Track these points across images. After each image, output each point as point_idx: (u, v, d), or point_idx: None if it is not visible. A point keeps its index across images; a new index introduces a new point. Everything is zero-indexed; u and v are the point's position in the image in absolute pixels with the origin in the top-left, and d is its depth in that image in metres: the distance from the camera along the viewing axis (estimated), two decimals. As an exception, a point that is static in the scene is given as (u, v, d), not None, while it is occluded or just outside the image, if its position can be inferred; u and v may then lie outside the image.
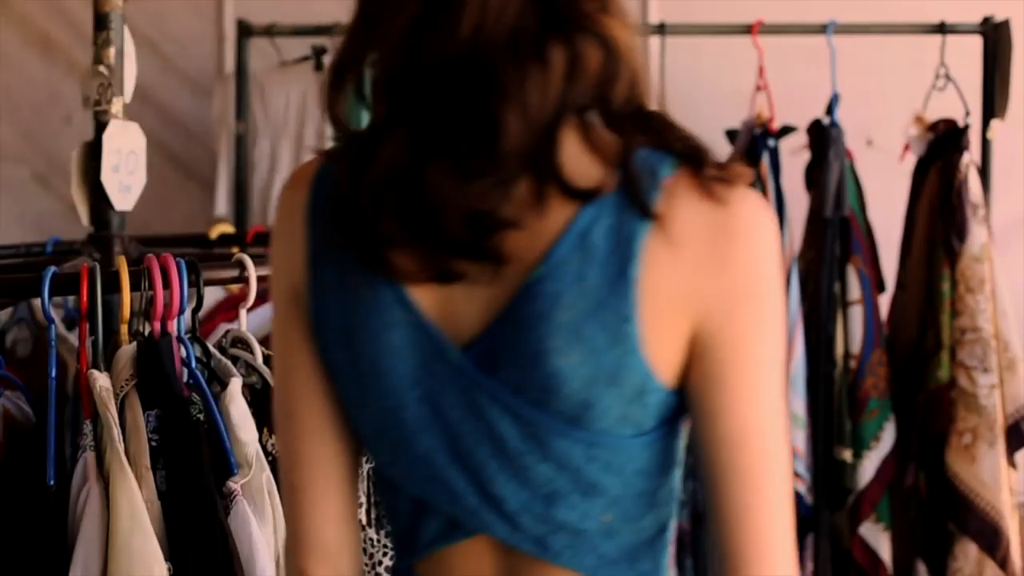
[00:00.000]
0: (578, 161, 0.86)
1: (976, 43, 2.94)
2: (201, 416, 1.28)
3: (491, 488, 0.90)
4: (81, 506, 1.19)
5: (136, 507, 1.18)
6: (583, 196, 0.84)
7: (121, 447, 1.22)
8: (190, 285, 1.36)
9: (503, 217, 0.83)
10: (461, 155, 0.83)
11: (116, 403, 1.26)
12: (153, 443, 1.26)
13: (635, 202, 0.84)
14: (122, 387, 1.28)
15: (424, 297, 0.88)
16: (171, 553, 1.21)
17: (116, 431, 1.23)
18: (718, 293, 0.86)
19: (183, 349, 1.33)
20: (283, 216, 0.95)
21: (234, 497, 1.24)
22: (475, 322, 0.88)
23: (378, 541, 1.42)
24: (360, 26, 0.89)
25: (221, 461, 1.26)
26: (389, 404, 0.90)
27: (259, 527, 1.24)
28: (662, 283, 0.85)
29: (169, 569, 1.19)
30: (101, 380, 1.27)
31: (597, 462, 0.88)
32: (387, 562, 1.42)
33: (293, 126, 3.22)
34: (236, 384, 1.32)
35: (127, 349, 1.31)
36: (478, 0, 0.82)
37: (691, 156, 0.87)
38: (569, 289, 0.85)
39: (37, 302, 1.63)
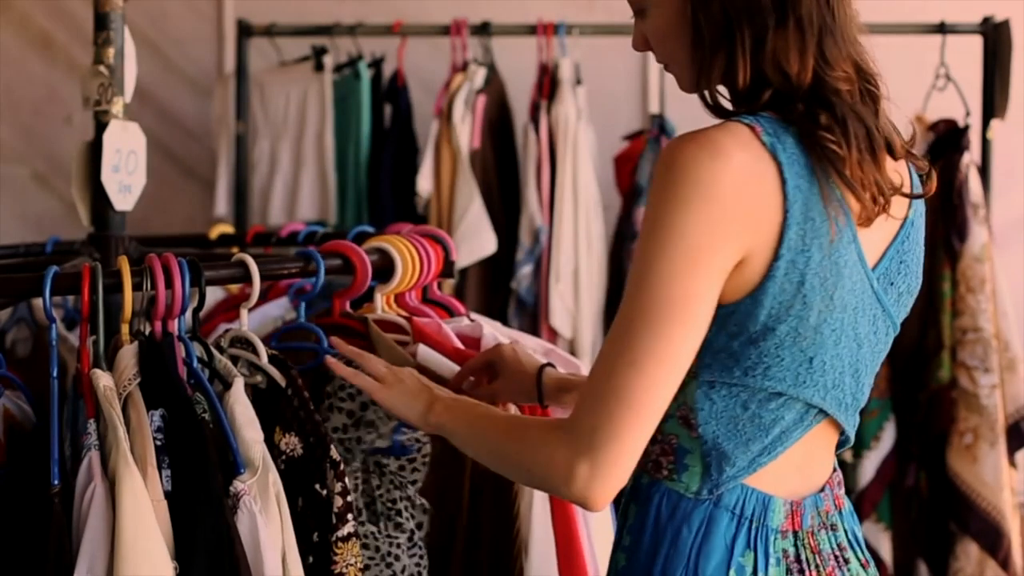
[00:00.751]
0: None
1: (976, 43, 2.95)
2: (207, 416, 1.28)
3: (863, 386, 1.24)
4: (86, 506, 1.18)
5: (142, 507, 1.17)
6: (912, 156, 1.26)
7: (127, 446, 1.21)
8: (192, 284, 1.35)
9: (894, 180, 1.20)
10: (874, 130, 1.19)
11: (133, 399, 1.26)
12: (158, 442, 1.25)
13: (917, 164, 1.27)
14: (125, 387, 1.28)
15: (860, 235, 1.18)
16: (178, 553, 1.20)
17: (121, 430, 1.22)
18: None
19: (184, 349, 1.33)
20: (747, 182, 1.12)
21: (240, 497, 1.23)
22: (875, 252, 1.21)
23: (380, 533, 1.42)
24: (736, 33, 1.16)
25: (227, 461, 1.26)
26: (835, 332, 1.17)
27: (265, 527, 1.23)
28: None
29: (176, 569, 1.19)
30: (104, 379, 1.26)
31: (888, 347, 1.26)
32: (396, 552, 1.42)
33: (293, 126, 3.22)
34: (240, 383, 1.31)
35: (129, 349, 1.31)
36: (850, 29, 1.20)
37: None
38: (920, 220, 1.26)
39: (37, 302, 1.62)
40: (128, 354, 1.30)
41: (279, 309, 1.96)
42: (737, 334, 1.15)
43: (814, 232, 1.13)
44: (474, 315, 1.72)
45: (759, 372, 1.16)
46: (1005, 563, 2.72)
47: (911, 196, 1.23)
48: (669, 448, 1.22)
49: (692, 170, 1.11)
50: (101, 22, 1.72)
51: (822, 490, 1.24)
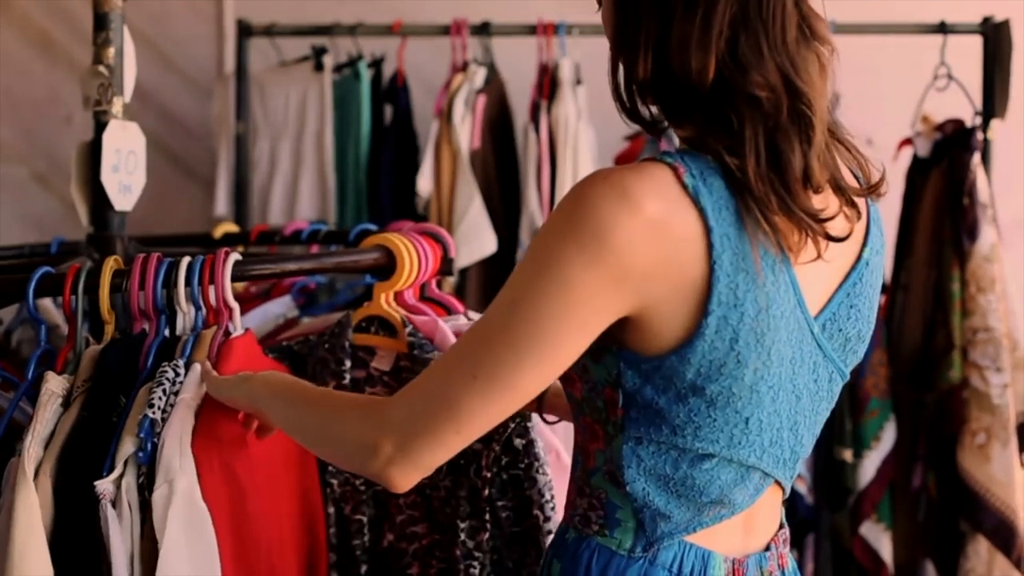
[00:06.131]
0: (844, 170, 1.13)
1: (976, 43, 2.95)
2: (115, 419, 1.28)
3: (801, 439, 1.15)
4: (3, 513, 1.21)
5: (33, 516, 1.18)
6: (872, 193, 1.15)
7: (30, 452, 1.22)
8: (163, 286, 1.37)
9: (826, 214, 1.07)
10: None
11: (75, 403, 1.27)
12: (74, 445, 1.26)
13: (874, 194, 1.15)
14: (79, 388, 1.29)
15: (800, 280, 1.09)
16: (59, 555, 1.20)
17: (29, 437, 1.23)
18: None
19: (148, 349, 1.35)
20: (655, 234, 1.03)
21: (100, 500, 1.22)
22: (820, 296, 1.12)
23: None
24: (658, 43, 1.07)
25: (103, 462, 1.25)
26: (772, 388, 1.08)
27: (117, 532, 1.21)
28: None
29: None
30: (53, 384, 1.28)
31: (835, 397, 1.18)
32: None
33: (293, 126, 3.22)
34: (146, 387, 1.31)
35: (91, 351, 1.33)
36: (776, 38, 1.06)
37: None
38: (876, 258, 1.17)
39: (42, 302, 1.63)
40: (87, 357, 1.32)
41: (281, 307, 1.96)
42: (663, 390, 1.08)
43: (748, 285, 1.04)
44: (473, 314, 1.72)
45: (689, 432, 1.09)
46: (1019, 563, 2.70)
47: (859, 241, 1.13)
48: (598, 503, 1.15)
49: (594, 212, 1.03)
50: (100, 22, 1.72)
51: (767, 549, 1.18)
